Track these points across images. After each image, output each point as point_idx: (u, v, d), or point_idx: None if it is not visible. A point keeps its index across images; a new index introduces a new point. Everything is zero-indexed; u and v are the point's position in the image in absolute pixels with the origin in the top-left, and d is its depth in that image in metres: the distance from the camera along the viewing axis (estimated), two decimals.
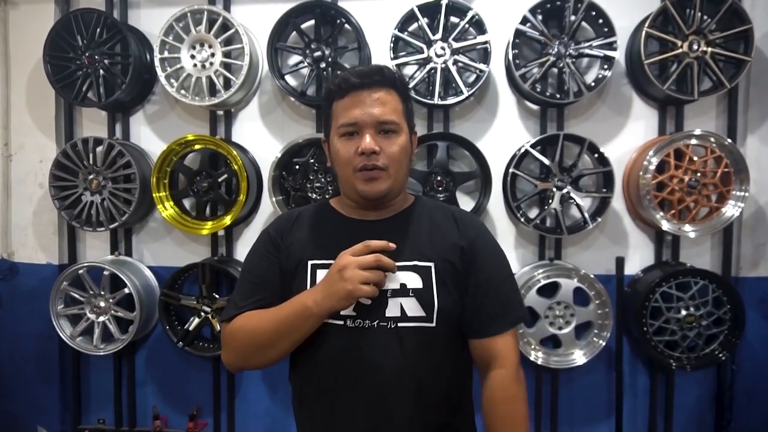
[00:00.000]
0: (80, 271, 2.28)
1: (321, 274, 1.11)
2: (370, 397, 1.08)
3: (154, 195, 2.24)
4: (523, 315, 1.19)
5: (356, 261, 1.03)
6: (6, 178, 2.48)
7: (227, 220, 2.20)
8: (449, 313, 1.11)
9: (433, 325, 1.10)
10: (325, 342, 1.10)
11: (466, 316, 1.14)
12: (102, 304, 2.30)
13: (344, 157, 1.13)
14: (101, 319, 2.29)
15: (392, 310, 1.09)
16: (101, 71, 2.24)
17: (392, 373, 1.07)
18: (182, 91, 2.23)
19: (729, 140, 2.07)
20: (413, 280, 1.10)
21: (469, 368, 1.21)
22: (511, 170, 2.13)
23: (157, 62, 2.19)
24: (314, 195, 2.19)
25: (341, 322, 1.09)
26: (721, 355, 2.11)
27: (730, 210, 2.08)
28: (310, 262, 1.14)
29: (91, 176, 2.26)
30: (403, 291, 1.10)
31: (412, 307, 1.09)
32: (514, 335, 1.16)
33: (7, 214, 2.48)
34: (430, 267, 1.12)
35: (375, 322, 1.09)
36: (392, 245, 1.06)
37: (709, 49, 2.01)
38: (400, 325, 1.09)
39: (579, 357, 2.16)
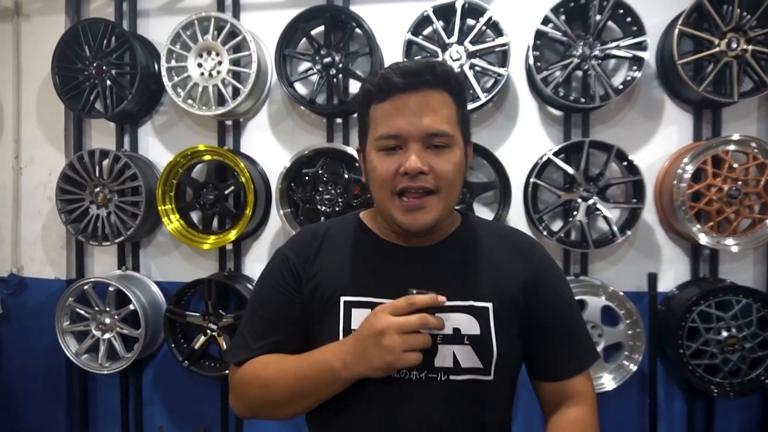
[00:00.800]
0: (85, 287, 2.22)
1: (356, 314, 0.93)
2: None
3: (159, 208, 2.17)
4: (597, 353, 1.05)
5: (397, 324, 0.83)
6: (16, 192, 2.45)
7: (232, 235, 2.11)
8: (509, 364, 0.96)
9: (491, 378, 0.93)
10: (359, 395, 0.91)
11: (535, 358, 1.01)
12: (107, 320, 2.23)
13: (382, 177, 0.92)
14: (107, 336, 2.23)
15: (443, 359, 0.92)
16: (108, 82, 2.20)
17: None
18: (189, 101, 2.16)
19: None
20: (468, 325, 0.93)
21: (510, 420, 1.05)
22: (532, 180, 1.99)
23: (163, 71, 2.14)
24: (324, 207, 2.10)
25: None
26: (767, 380, 1.92)
27: None
28: (342, 299, 0.95)
29: (98, 189, 2.21)
30: (456, 337, 0.92)
31: (466, 356, 0.92)
32: (589, 374, 1.02)
33: (17, 229, 2.45)
34: (488, 308, 0.94)
35: (422, 374, 0.91)
36: (442, 299, 0.85)
37: (750, 47, 1.85)
38: (451, 378, 0.92)
39: (608, 381, 2.00)
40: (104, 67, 2.19)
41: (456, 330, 0.92)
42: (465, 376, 0.92)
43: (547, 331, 0.99)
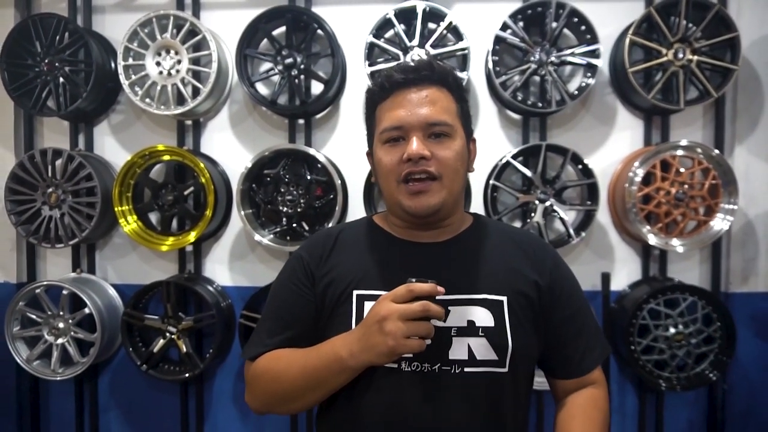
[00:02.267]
0: (37, 291, 2.14)
1: (368, 306, 0.94)
2: None
3: (116, 209, 2.12)
4: (608, 347, 1.09)
5: (398, 311, 0.85)
6: None
7: (191, 236, 2.08)
8: (524, 356, 0.97)
9: (506, 370, 0.94)
10: (373, 387, 0.93)
11: (550, 357, 1.03)
12: (61, 325, 2.16)
13: (387, 167, 0.97)
14: (60, 341, 2.16)
15: (458, 351, 0.93)
16: (61, 79, 2.13)
17: (456, 428, 0.92)
18: (147, 100, 2.12)
19: (716, 151, 2.00)
20: (483, 317, 0.95)
21: (528, 413, 1.07)
22: (491, 182, 2.04)
23: (120, 69, 2.08)
24: (285, 208, 2.09)
25: (395, 365, 0.92)
26: (711, 375, 2.02)
27: (719, 223, 2.00)
28: (355, 293, 0.97)
29: (50, 189, 2.14)
30: (471, 329, 0.94)
31: (481, 348, 0.93)
32: (601, 373, 1.07)
33: None
34: (503, 301, 0.96)
35: (436, 366, 0.93)
36: (441, 289, 0.87)
37: (695, 58, 1.94)
38: (466, 370, 0.93)
39: None
40: (57, 64, 2.12)
41: (470, 322, 0.94)
42: (480, 368, 0.93)
43: (563, 329, 1.02)
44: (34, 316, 2.16)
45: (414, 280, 0.87)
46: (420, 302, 0.85)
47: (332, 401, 0.98)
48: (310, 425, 2.13)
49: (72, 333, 2.15)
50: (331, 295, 0.99)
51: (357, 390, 0.94)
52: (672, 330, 2.02)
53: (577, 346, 1.03)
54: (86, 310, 2.11)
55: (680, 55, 1.95)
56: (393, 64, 2.02)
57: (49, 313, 2.16)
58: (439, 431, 0.92)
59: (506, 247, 1.04)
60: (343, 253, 1.03)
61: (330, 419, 1.01)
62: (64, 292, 2.13)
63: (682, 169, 1.99)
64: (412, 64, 1.00)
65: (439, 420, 0.92)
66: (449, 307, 0.92)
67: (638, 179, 1.98)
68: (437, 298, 0.87)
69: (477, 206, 2.11)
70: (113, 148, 2.31)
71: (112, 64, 2.18)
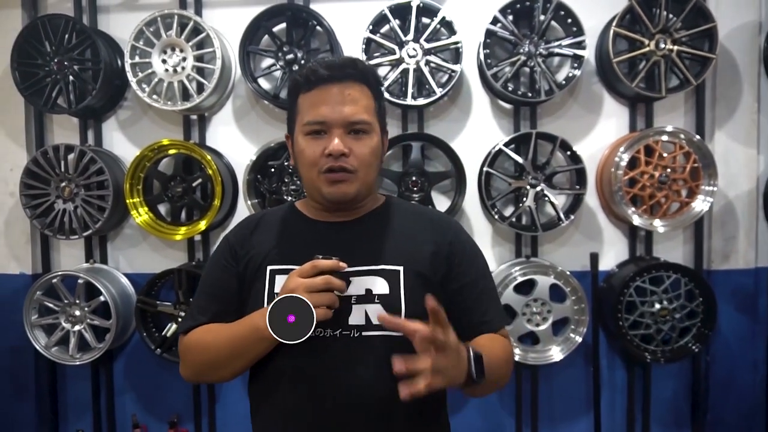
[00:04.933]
0: (54, 281, 2.24)
1: (279, 280, 1.04)
2: (333, 413, 1.00)
3: (127, 201, 2.21)
4: (506, 318, 1.18)
5: (304, 284, 0.95)
6: None
7: (202, 225, 2.18)
8: (418, 321, 1.04)
9: (401, 334, 0.98)
10: (281, 353, 1.01)
11: (452, 323, 1.07)
12: (77, 312, 2.27)
13: (309, 158, 1.05)
14: (77, 328, 2.26)
15: (356, 317, 1.02)
16: (71, 77, 2.21)
17: (357, 387, 1.00)
18: (154, 96, 2.21)
19: (697, 136, 2.11)
20: (379, 285, 1.03)
21: None
22: (485, 169, 2.15)
23: (128, 67, 2.17)
24: (290, 198, 2.19)
25: None
26: (694, 347, 2.15)
27: (700, 204, 2.12)
28: (269, 268, 1.07)
29: (63, 184, 2.23)
30: (368, 297, 1.03)
31: (377, 314, 1.00)
32: (504, 334, 1.12)
33: None
34: (399, 271, 1.05)
35: (337, 332, 1.01)
36: (343, 264, 0.98)
37: (675, 47, 2.05)
38: (364, 333, 1.01)
39: (556, 353, 2.18)
40: (66, 63, 2.20)
41: (368, 290, 1.03)
42: (376, 332, 1.01)
43: (459, 296, 1.08)
44: (51, 305, 2.26)
45: (320, 256, 0.98)
46: (323, 277, 0.96)
47: (254, 372, 1.09)
48: None
49: (88, 320, 2.25)
50: (250, 271, 1.09)
51: (270, 356, 1.03)
52: (657, 306, 2.14)
53: (476, 311, 1.09)
54: (101, 298, 2.22)
55: (662, 45, 2.05)
56: (390, 57, 2.12)
57: (66, 301, 2.26)
58: (343, 388, 1.00)
59: (409, 223, 1.13)
60: (263, 234, 1.13)
61: (253, 384, 1.11)
62: (80, 281, 2.23)
63: (664, 154, 2.10)
64: (336, 60, 1.07)
65: (345, 380, 1.00)
66: (351, 278, 1.01)
67: (624, 164, 2.09)
68: (342, 272, 0.99)
69: (472, 192, 2.21)
70: (121, 143, 2.40)
71: (119, 62, 2.26)
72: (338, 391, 1.00)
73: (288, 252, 1.08)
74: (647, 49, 2.05)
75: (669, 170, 2.10)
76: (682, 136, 2.11)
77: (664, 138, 2.11)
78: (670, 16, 2.06)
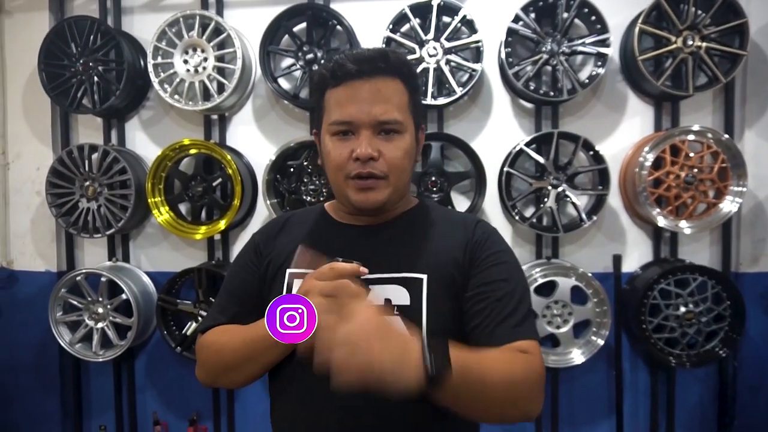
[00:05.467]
0: (78, 278, 2.28)
1: (297, 284, 0.98)
2: (346, 399, 0.90)
3: (149, 200, 2.24)
4: (534, 332, 0.96)
5: (319, 287, 0.86)
6: (4, 187, 2.49)
7: (222, 224, 2.20)
8: (441, 335, 0.90)
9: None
10: (296, 361, 0.94)
11: (468, 329, 0.97)
12: (100, 310, 2.30)
13: (336, 161, 0.97)
14: (100, 325, 2.30)
15: None
16: (95, 78, 2.25)
17: (372, 407, 0.90)
18: (176, 96, 2.23)
19: (726, 135, 2.05)
20: (400, 296, 0.95)
21: None
22: (505, 169, 2.12)
23: (150, 68, 2.20)
24: (309, 197, 2.19)
25: None
26: (721, 351, 2.09)
27: (728, 206, 2.06)
28: (288, 271, 1.01)
29: (87, 183, 2.27)
30: (387, 308, 0.94)
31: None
32: (532, 345, 0.93)
33: (5, 223, 2.49)
34: (422, 280, 0.96)
35: None
36: (363, 270, 0.90)
37: (704, 44, 1.99)
38: None
39: (577, 356, 2.14)
40: (91, 64, 2.24)
41: (387, 300, 0.95)
42: None
43: (474, 298, 0.97)
44: (75, 302, 2.30)
45: (341, 259, 0.91)
46: (340, 281, 0.87)
47: (273, 390, 1.04)
48: None
49: (111, 317, 2.29)
50: (270, 273, 1.04)
51: (284, 363, 0.97)
52: (682, 309, 2.09)
53: (492, 314, 0.94)
54: (123, 296, 2.25)
55: (689, 42, 2.00)
56: (410, 57, 2.10)
57: (89, 299, 2.30)
58: (356, 408, 0.91)
59: (441, 228, 1.04)
60: (288, 235, 1.08)
61: (271, 383, 1.06)
62: (103, 279, 2.27)
63: (691, 154, 2.05)
64: (366, 53, 0.96)
65: (357, 397, 0.84)
66: (370, 286, 0.92)
67: (648, 164, 2.05)
68: (362, 277, 0.90)
69: (492, 193, 2.19)
70: (144, 143, 2.44)
71: (142, 63, 2.29)
72: (352, 409, 0.93)
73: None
74: (674, 46, 2.00)
75: (696, 170, 2.05)
76: (710, 135, 2.05)
77: (691, 137, 2.06)
78: (699, 12, 2.01)
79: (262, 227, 1.17)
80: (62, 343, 2.30)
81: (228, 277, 1.14)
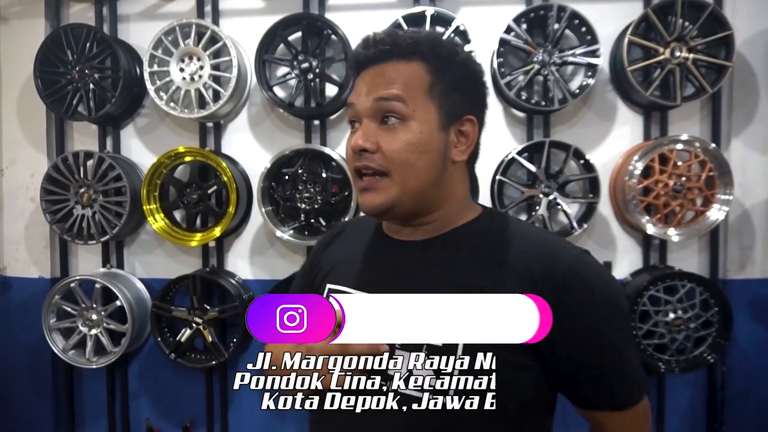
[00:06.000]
0: (72, 285, 2.28)
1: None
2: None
3: (144, 207, 2.25)
4: (637, 396, 0.86)
5: (322, 363, 0.75)
6: None
7: (216, 231, 2.21)
8: (507, 389, 0.78)
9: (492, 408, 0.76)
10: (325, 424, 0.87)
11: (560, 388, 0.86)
12: (94, 316, 2.30)
13: (347, 154, 0.87)
14: (93, 331, 2.30)
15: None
16: (91, 85, 2.26)
17: None
18: (171, 104, 2.24)
19: (713, 144, 2.09)
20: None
21: None
22: (498, 177, 2.15)
23: (146, 76, 2.21)
24: (303, 205, 2.21)
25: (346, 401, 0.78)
26: (709, 357, 2.12)
27: (715, 213, 2.10)
28: (328, 285, 0.92)
29: (82, 190, 2.27)
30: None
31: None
32: (639, 411, 0.85)
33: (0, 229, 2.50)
34: (457, 346, 0.77)
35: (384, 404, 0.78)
36: (384, 348, 0.73)
37: (691, 55, 2.04)
38: (413, 408, 0.76)
39: None
40: (87, 71, 2.25)
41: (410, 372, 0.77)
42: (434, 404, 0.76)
43: (565, 364, 0.82)
44: (69, 309, 2.30)
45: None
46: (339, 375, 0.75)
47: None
48: None
49: (104, 324, 2.29)
50: (316, 283, 0.98)
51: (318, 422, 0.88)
52: (671, 315, 2.13)
53: (585, 382, 0.84)
54: (117, 303, 2.25)
55: (677, 54, 2.04)
56: None
57: (83, 305, 2.30)
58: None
59: (507, 248, 0.82)
60: (338, 245, 1.00)
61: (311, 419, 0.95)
62: (97, 285, 2.27)
63: (679, 163, 2.09)
64: (376, 36, 0.85)
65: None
66: (396, 352, 0.77)
67: (638, 172, 2.08)
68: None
69: (484, 200, 2.21)
70: (139, 150, 2.45)
71: (138, 71, 2.31)
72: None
73: (347, 270, 0.92)
74: (662, 57, 2.04)
75: (684, 179, 2.09)
76: (698, 144, 2.09)
77: (679, 147, 2.10)
78: (686, 23, 2.05)
79: (323, 234, 1.15)
80: (55, 350, 2.30)
81: (295, 278, 1.10)
